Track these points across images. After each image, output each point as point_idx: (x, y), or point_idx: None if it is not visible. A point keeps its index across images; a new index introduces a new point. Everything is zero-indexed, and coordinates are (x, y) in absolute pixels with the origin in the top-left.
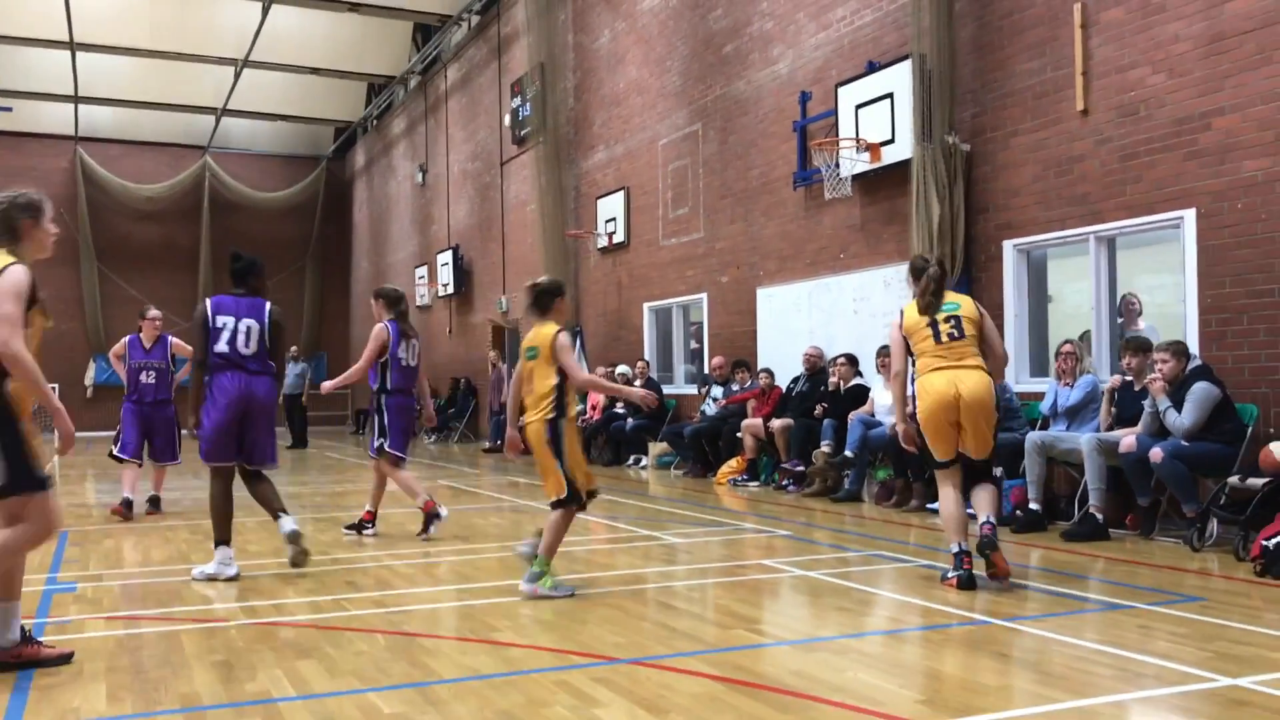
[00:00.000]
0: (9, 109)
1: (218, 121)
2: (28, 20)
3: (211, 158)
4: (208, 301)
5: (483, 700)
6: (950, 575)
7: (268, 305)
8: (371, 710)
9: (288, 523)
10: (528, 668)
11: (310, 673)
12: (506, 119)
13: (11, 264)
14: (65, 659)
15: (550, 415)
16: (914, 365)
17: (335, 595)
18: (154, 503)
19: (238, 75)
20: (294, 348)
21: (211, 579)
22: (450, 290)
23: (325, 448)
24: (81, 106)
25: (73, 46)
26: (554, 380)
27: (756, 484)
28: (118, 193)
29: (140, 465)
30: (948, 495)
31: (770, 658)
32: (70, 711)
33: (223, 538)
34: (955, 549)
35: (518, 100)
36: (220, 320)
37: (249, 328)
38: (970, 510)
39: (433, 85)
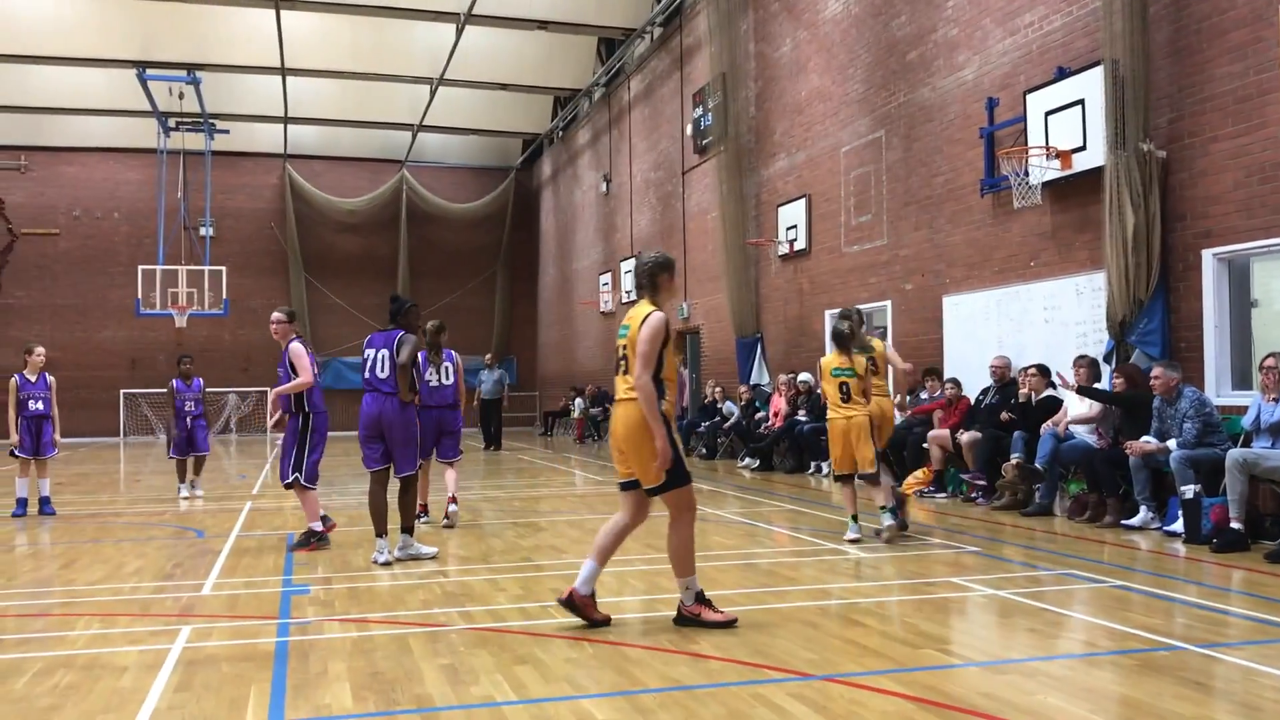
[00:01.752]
0: (226, 131)
1: (414, 137)
2: (244, 50)
3: (408, 171)
4: (367, 338)
5: (687, 711)
6: None
7: (398, 335)
8: (586, 716)
9: (399, 542)
10: (726, 680)
11: (527, 677)
12: (688, 128)
13: (651, 312)
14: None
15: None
16: None
17: (542, 602)
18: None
19: (433, 93)
20: (488, 355)
21: (373, 561)
22: (633, 297)
23: (517, 450)
24: (290, 126)
25: (283, 72)
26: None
27: (943, 496)
28: (322, 206)
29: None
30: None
31: (960, 678)
32: (323, 707)
33: (380, 531)
34: None
35: (699, 110)
36: (368, 352)
37: (383, 357)
38: None
39: (616, 97)
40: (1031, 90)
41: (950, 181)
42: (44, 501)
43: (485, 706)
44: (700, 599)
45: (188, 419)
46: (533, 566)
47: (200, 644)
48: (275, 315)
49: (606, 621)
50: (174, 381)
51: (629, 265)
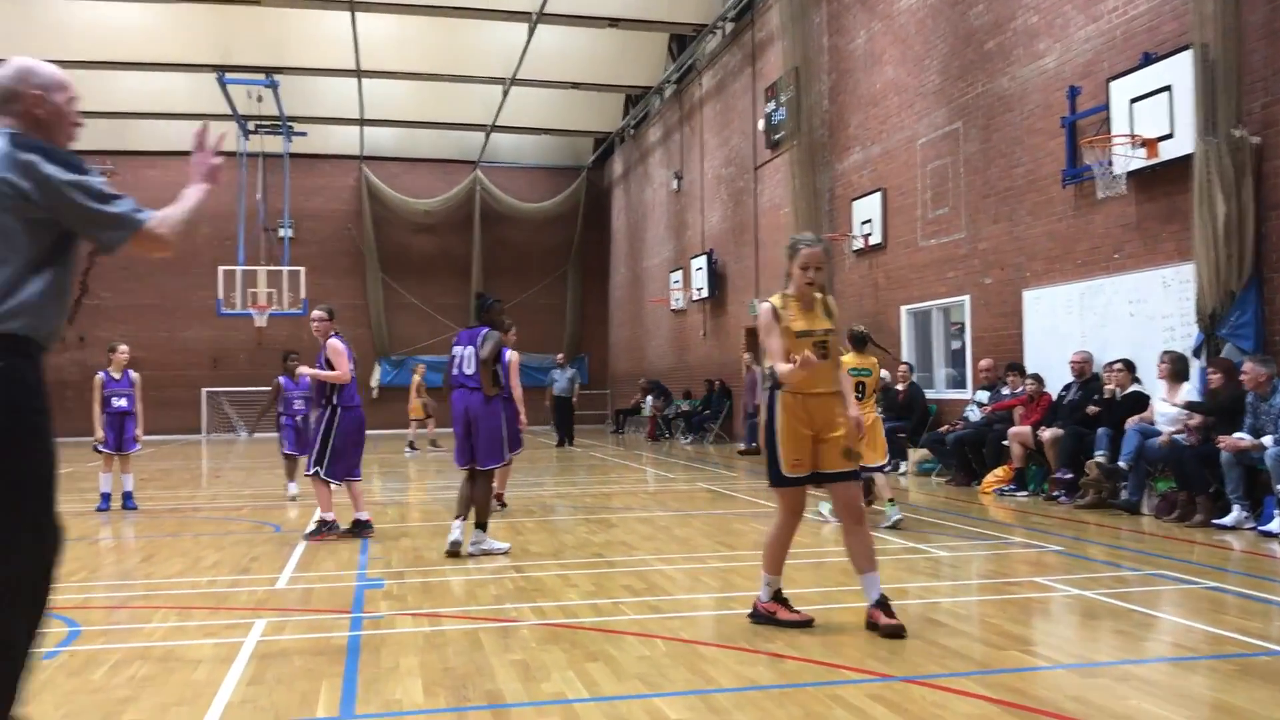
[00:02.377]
0: (304, 134)
1: (487, 137)
2: (321, 53)
3: (481, 171)
4: (455, 335)
5: (762, 711)
6: None
7: (482, 332)
8: (659, 715)
9: (473, 536)
10: (802, 681)
11: (599, 675)
12: (760, 123)
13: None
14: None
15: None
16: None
17: (614, 599)
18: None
19: (505, 93)
20: (560, 354)
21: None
22: (704, 294)
23: (589, 447)
24: (366, 128)
25: (359, 74)
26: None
27: (1024, 494)
28: (398, 207)
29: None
30: None
31: (1046, 681)
32: (393, 702)
33: (460, 513)
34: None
35: (771, 105)
36: (455, 349)
37: (469, 353)
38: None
39: (687, 93)
40: (1115, 77)
41: (1031, 172)
42: (126, 496)
43: (557, 704)
44: (777, 598)
45: (297, 416)
46: (604, 563)
47: (274, 637)
48: (316, 313)
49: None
50: (280, 379)
51: (700, 263)
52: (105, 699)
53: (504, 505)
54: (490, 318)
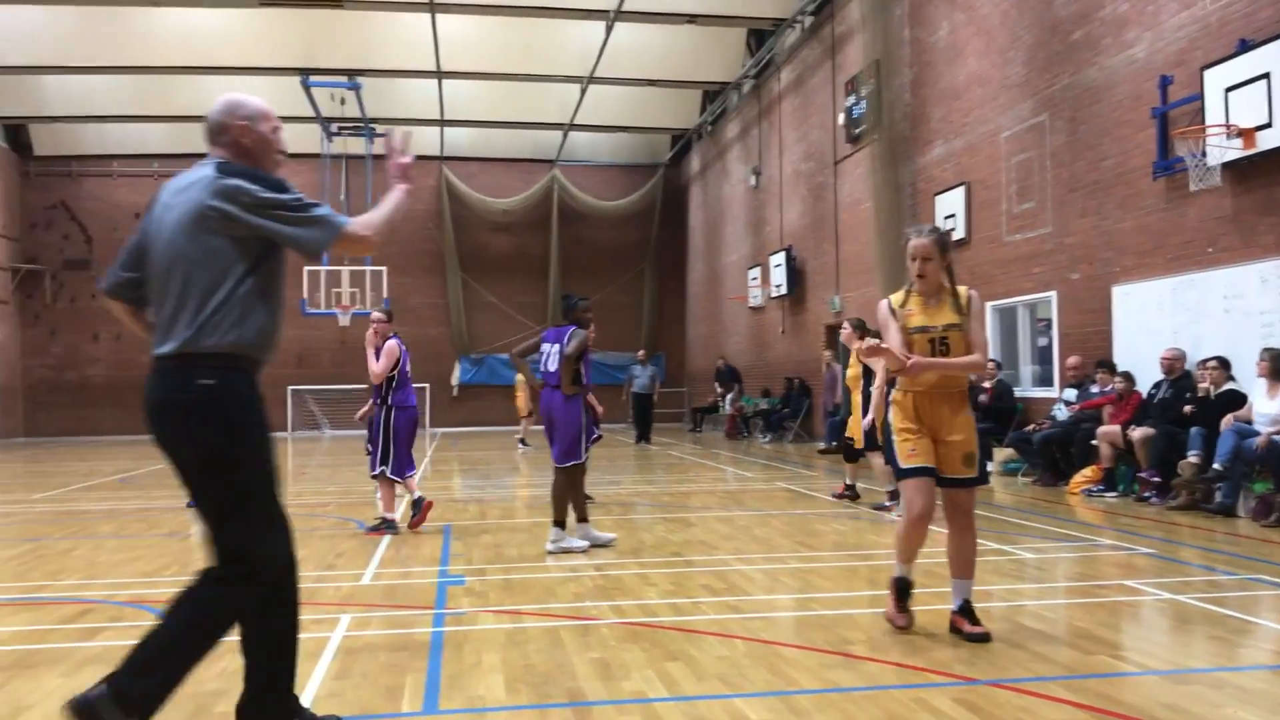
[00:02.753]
0: (385, 135)
1: (565, 136)
2: (402, 55)
3: (559, 170)
4: (544, 332)
5: (844, 714)
6: None
7: (570, 330)
8: (739, 716)
9: (551, 535)
10: (885, 683)
11: (679, 674)
12: (840, 118)
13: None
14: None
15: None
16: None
17: (693, 598)
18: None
19: (583, 91)
20: (641, 352)
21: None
22: (783, 291)
23: (666, 446)
24: (445, 129)
25: (439, 75)
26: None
27: (1114, 495)
28: (477, 207)
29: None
30: None
31: (1137, 687)
32: (476, 699)
33: (556, 520)
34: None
35: (852, 99)
36: (543, 347)
37: (554, 351)
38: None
39: (766, 89)
40: (1210, 66)
41: (1119, 165)
42: None
43: (637, 703)
44: (899, 587)
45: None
46: (683, 561)
47: (359, 633)
48: (376, 315)
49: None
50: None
51: (779, 259)
52: (197, 691)
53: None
54: (576, 317)
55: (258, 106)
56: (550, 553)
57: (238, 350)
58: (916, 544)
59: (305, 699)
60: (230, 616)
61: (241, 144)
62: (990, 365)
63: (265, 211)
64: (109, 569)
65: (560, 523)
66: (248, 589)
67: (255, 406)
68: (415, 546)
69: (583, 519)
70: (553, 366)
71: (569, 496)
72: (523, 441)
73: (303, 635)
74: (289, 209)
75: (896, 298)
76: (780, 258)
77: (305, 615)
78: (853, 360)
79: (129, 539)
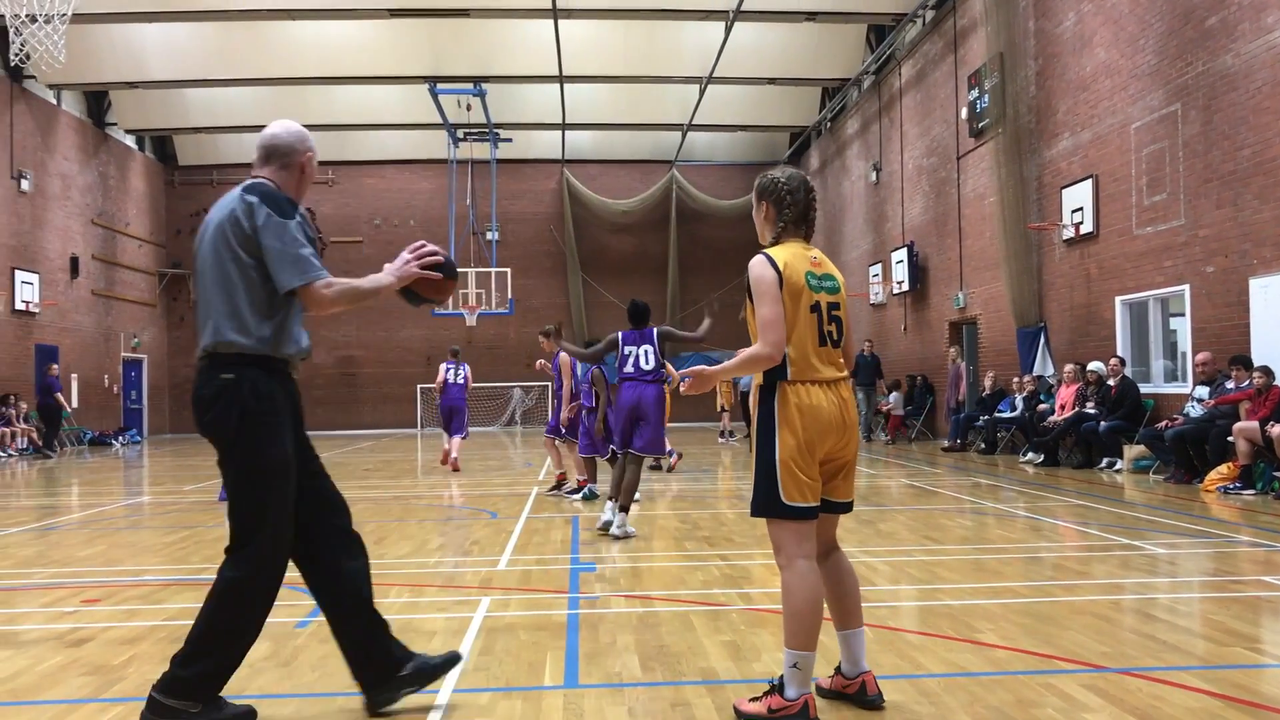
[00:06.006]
0: (510, 140)
1: (684, 136)
2: (525, 60)
3: (677, 170)
4: (619, 335)
5: (972, 696)
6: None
7: (655, 330)
8: None
9: (609, 514)
10: (1013, 669)
11: None
12: (963, 112)
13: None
14: None
15: None
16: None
17: None
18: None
19: (702, 91)
20: None
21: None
22: (905, 287)
23: None
24: (567, 132)
25: (561, 79)
26: None
27: (1251, 493)
28: (597, 208)
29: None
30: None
31: (1275, 679)
32: (614, 674)
33: (614, 496)
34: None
35: (975, 92)
36: (627, 349)
37: (645, 351)
38: None
39: (886, 84)
40: None
41: (1258, 154)
42: None
43: (768, 682)
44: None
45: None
46: None
47: (499, 614)
48: (542, 339)
49: None
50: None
51: (900, 255)
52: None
53: (595, 495)
54: (649, 320)
55: (313, 140)
56: (616, 537)
57: (256, 349)
58: None
59: (454, 673)
60: (244, 597)
61: (300, 171)
62: (1114, 361)
63: (267, 233)
64: None
65: (626, 508)
66: (251, 569)
67: (272, 400)
68: (545, 535)
69: (624, 508)
70: (646, 365)
71: (637, 484)
72: (729, 435)
73: (448, 615)
74: (284, 239)
75: None
76: (902, 254)
77: (448, 597)
78: None
79: None
